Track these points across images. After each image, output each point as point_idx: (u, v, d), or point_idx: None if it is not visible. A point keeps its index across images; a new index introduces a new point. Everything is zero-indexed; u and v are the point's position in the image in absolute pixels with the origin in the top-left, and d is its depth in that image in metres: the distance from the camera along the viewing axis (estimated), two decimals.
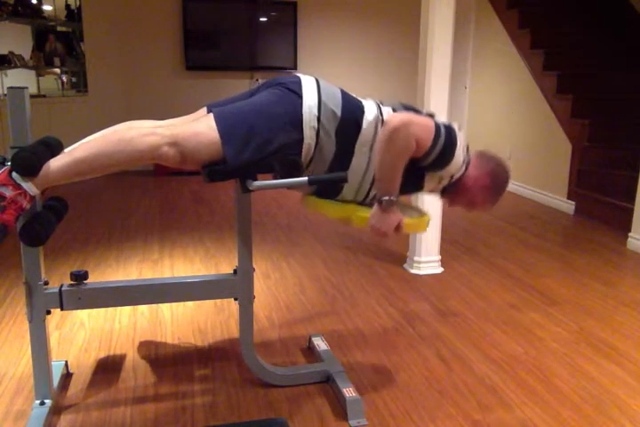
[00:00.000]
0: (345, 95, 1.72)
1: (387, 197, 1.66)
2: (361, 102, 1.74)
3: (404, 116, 1.60)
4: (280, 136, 1.62)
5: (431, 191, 1.88)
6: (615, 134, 4.60)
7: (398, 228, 1.72)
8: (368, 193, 1.78)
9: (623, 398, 1.99)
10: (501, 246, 3.68)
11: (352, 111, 1.70)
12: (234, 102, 1.72)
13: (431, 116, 1.75)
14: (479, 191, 1.82)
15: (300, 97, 1.65)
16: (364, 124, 1.70)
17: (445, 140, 1.66)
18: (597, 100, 4.77)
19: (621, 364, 2.22)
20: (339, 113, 1.67)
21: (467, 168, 1.79)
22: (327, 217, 1.80)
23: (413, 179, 1.75)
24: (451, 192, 1.86)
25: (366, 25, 6.53)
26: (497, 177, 1.82)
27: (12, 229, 1.51)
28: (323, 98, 1.67)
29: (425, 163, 1.70)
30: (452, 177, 1.78)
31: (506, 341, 2.40)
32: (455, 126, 1.75)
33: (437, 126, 1.66)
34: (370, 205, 1.78)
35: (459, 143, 1.70)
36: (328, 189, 1.77)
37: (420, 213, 1.90)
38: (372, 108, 1.74)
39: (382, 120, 1.72)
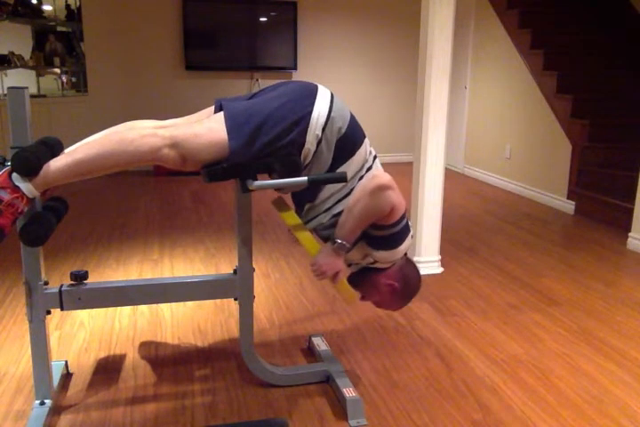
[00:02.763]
0: (353, 118, 1.75)
1: (340, 241, 1.71)
2: (364, 134, 1.78)
3: (392, 180, 1.66)
4: (286, 138, 1.63)
5: (348, 264, 1.89)
6: (615, 134, 4.60)
7: (336, 276, 1.77)
8: (317, 215, 1.79)
9: (623, 398, 1.99)
10: (501, 246, 3.68)
11: (355, 134, 1.72)
12: (245, 100, 1.73)
13: None
14: (384, 292, 1.86)
15: (312, 104, 1.66)
16: (357, 154, 1.73)
17: (403, 228, 1.74)
18: (597, 100, 4.77)
19: (621, 364, 2.22)
20: (343, 129, 1.69)
21: (390, 268, 1.84)
22: (287, 225, 1.82)
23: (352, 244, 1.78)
24: (363, 283, 1.88)
25: (366, 25, 6.53)
26: (409, 285, 1.87)
27: (9, 232, 1.51)
28: (333, 112, 1.68)
29: (375, 233, 1.73)
30: (374, 262, 1.81)
31: (506, 341, 2.40)
32: (411, 232, 1.82)
33: (405, 213, 1.73)
34: (311, 230, 1.82)
35: (406, 242, 1.77)
36: (306, 195, 1.78)
37: (354, 292, 1.91)
38: (369, 146, 1.78)
39: (370, 166, 1.76)
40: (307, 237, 1.79)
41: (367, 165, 1.76)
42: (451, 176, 6.02)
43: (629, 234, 3.71)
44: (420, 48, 2.99)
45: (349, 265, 1.91)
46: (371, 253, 1.78)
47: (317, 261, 1.75)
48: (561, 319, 2.62)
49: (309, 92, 1.68)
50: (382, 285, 1.85)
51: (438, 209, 3.14)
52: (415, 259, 3.17)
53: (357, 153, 1.73)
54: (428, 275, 3.15)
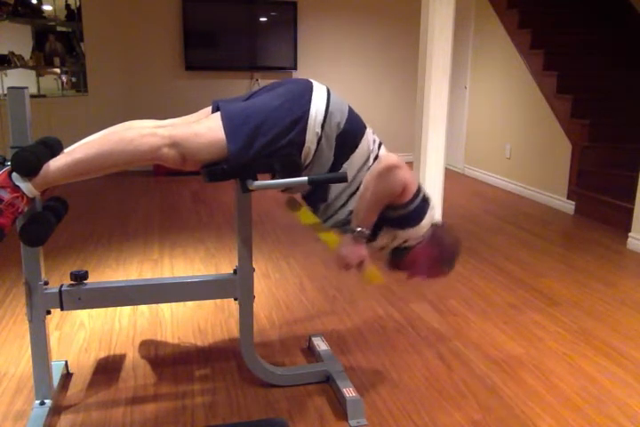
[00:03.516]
0: (352, 112, 1.74)
1: (360, 229, 1.71)
2: (365, 125, 1.77)
3: (400, 160, 1.65)
4: (284, 138, 1.63)
5: (380, 248, 1.89)
6: (615, 134, 4.60)
7: (361, 264, 1.77)
8: (334, 213, 1.79)
9: (623, 398, 1.99)
10: (501, 246, 3.68)
11: (354, 128, 1.72)
12: (241, 101, 1.73)
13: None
14: (426, 265, 1.86)
15: (309, 102, 1.66)
16: (360, 146, 1.72)
17: (421, 203, 1.73)
18: (597, 100, 4.77)
19: (621, 364, 2.22)
20: (342, 125, 1.68)
21: (422, 241, 1.82)
22: (303, 224, 1.83)
23: (373, 227, 1.77)
24: (397, 259, 1.88)
25: (366, 25, 6.53)
26: (447, 250, 1.86)
27: (9, 231, 1.51)
28: (331, 107, 1.67)
29: (394, 214, 1.73)
30: (405, 241, 1.80)
31: (506, 341, 2.40)
32: (431, 202, 1.80)
33: (420, 188, 1.72)
34: (332, 227, 1.82)
35: (428, 214, 1.75)
36: (317, 195, 1.78)
37: (380, 275, 1.92)
38: (372, 135, 1.77)
39: (377, 154, 1.75)
40: (325, 233, 1.79)
41: (373, 156, 1.75)
42: (451, 176, 6.02)
43: (629, 234, 3.71)
44: (420, 48, 2.99)
45: (382, 249, 1.89)
46: (397, 234, 1.77)
47: (340, 253, 1.74)
48: (561, 319, 2.62)
49: (305, 91, 1.68)
50: (422, 259, 1.83)
51: (438, 209, 3.14)
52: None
53: (360, 146, 1.72)
54: None
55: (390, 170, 1.63)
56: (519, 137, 5.31)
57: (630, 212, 3.76)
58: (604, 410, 1.92)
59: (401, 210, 1.71)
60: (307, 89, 1.69)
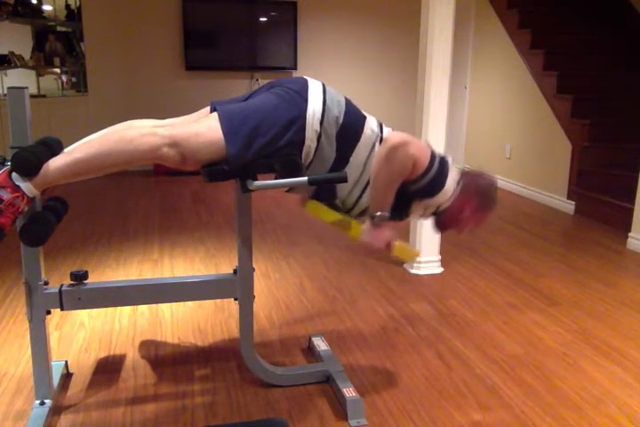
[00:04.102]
0: (349, 104, 1.73)
1: (379, 213, 1.70)
2: (364, 114, 1.76)
3: (404, 135, 1.63)
4: (283, 137, 1.63)
5: (420, 216, 1.88)
6: (615, 134, 4.60)
7: (388, 245, 1.76)
8: (354, 206, 1.80)
9: (623, 398, 1.99)
10: (501, 246, 3.68)
11: (354, 120, 1.71)
12: (238, 102, 1.72)
13: (427, 144, 1.78)
14: (468, 216, 1.83)
15: (306, 100, 1.65)
16: (363, 137, 1.72)
17: (438, 168, 1.69)
18: (597, 100, 4.77)
19: (621, 364, 2.22)
20: (341, 119, 1.68)
21: (454, 199, 1.79)
22: (324, 221, 1.82)
23: (401, 205, 1.77)
24: (440, 220, 1.87)
25: (366, 25, 6.53)
26: (482, 195, 1.83)
27: (9, 231, 1.51)
28: (327, 103, 1.67)
29: (415, 188, 1.71)
30: (438, 207, 1.79)
31: (506, 341, 2.40)
32: (449, 159, 1.77)
33: (433, 154, 1.70)
34: (355, 217, 1.81)
35: (450, 175, 1.73)
36: (324, 193, 1.78)
37: (413, 249, 1.91)
38: (373, 122, 1.76)
39: (381, 138, 1.74)
40: (345, 225, 1.79)
41: (377, 140, 1.74)
42: None
43: (629, 234, 3.71)
44: (420, 48, 2.99)
45: (421, 217, 1.88)
46: (428, 203, 1.76)
47: (365, 241, 1.73)
48: (561, 319, 2.62)
49: (302, 89, 1.67)
50: (463, 212, 1.81)
51: None
52: (415, 259, 3.17)
53: (362, 137, 1.71)
54: (428, 275, 3.15)
55: (396, 149, 1.61)
56: (519, 137, 5.31)
57: (630, 212, 3.76)
58: (604, 410, 1.92)
59: (420, 182, 1.68)
60: (303, 87, 1.68)
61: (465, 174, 1.84)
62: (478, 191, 1.82)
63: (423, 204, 1.78)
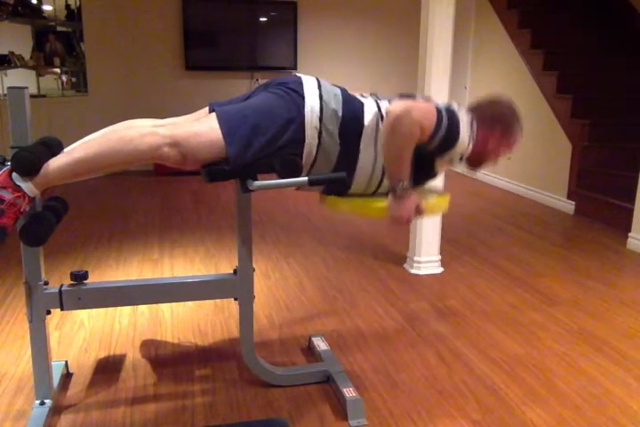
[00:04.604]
0: (345, 94, 1.73)
1: (400, 185, 1.66)
2: (361, 101, 1.75)
3: (403, 104, 1.60)
4: (282, 137, 1.62)
5: (451, 166, 1.87)
6: (615, 134, 4.60)
7: (418, 210, 1.71)
8: (379, 185, 1.79)
9: (623, 398, 1.99)
10: (501, 246, 3.68)
11: (353, 110, 1.70)
12: (236, 102, 1.72)
13: (428, 99, 1.75)
14: (496, 147, 1.80)
15: (303, 98, 1.65)
16: (366, 122, 1.71)
17: (448, 122, 1.66)
18: (597, 100, 4.77)
19: (621, 364, 2.22)
20: (340, 112, 1.68)
21: (475, 140, 1.75)
22: (345, 213, 1.82)
23: (425, 168, 1.75)
24: (470, 162, 1.85)
25: (366, 25, 6.53)
26: (501, 122, 1.79)
27: (11, 231, 1.51)
28: (324, 98, 1.67)
29: (431, 147, 1.69)
30: (461, 156, 1.76)
31: (506, 341, 2.40)
32: (455, 106, 1.74)
33: (438, 110, 1.66)
34: (382, 195, 1.78)
35: (461, 122, 1.69)
36: (336, 186, 1.77)
37: (439, 193, 1.89)
38: (371, 105, 1.74)
39: (382, 116, 1.72)
40: (367, 209, 1.79)
41: (381, 120, 1.72)
42: (451, 176, 6.02)
43: (629, 234, 3.71)
44: (420, 48, 2.99)
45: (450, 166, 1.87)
46: (450, 156, 1.74)
47: (393, 215, 1.71)
48: (561, 319, 2.62)
49: (297, 87, 1.67)
50: (488, 147, 1.79)
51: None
52: (415, 259, 3.17)
53: (365, 124, 1.70)
54: (428, 275, 3.15)
55: (399, 119, 1.58)
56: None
57: (630, 212, 3.76)
58: (604, 410, 1.92)
59: (434, 141, 1.66)
60: (298, 84, 1.68)
61: (474, 110, 1.81)
62: (494, 120, 1.79)
63: (446, 158, 1.75)
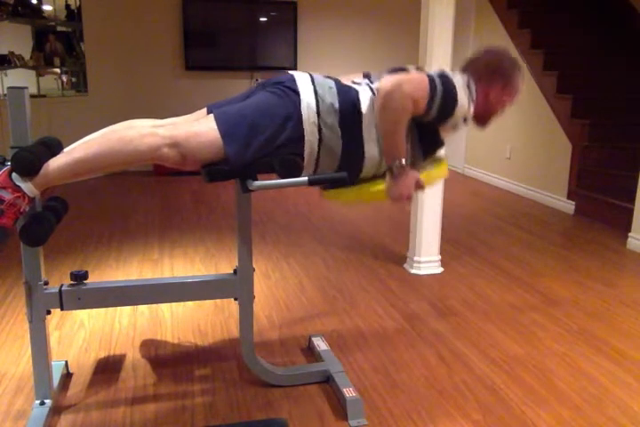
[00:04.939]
0: (339, 86, 1.72)
1: (396, 163, 1.65)
2: (355, 90, 1.73)
3: (392, 79, 1.59)
4: (281, 135, 1.62)
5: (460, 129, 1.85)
6: (615, 134, 4.60)
7: (418, 185, 1.70)
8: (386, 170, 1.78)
9: (623, 398, 1.99)
10: (501, 246, 3.68)
11: (349, 101, 1.69)
12: (234, 103, 1.72)
13: (420, 69, 1.74)
14: (497, 99, 1.79)
15: (298, 94, 1.65)
16: (364, 110, 1.70)
17: (443, 88, 1.64)
18: (597, 100, 4.77)
19: (621, 364, 2.22)
20: (337, 105, 1.67)
21: (475, 99, 1.73)
22: (347, 203, 1.82)
23: (430, 138, 1.73)
24: (476, 121, 1.84)
25: (366, 25, 6.53)
26: (497, 73, 1.77)
27: (11, 231, 1.51)
28: (319, 93, 1.67)
29: (430, 117, 1.68)
30: (465, 119, 1.74)
31: (506, 341, 2.40)
32: (447, 72, 1.71)
33: (431, 78, 1.64)
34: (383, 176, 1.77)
35: (457, 87, 1.67)
36: (348, 172, 1.75)
37: (436, 161, 1.88)
38: (365, 91, 1.73)
39: (374, 93, 1.71)
40: (367, 195, 1.78)
41: (375, 100, 1.70)
42: (451, 176, 6.02)
43: (629, 234, 3.71)
44: (420, 48, 2.99)
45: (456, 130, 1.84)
46: (453, 122, 1.72)
47: (393, 195, 1.69)
48: (561, 319, 2.62)
49: (291, 84, 1.67)
50: (489, 102, 1.78)
51: (438, 209, 3.14)
52: (415, 259, 3.17)
53: (363, 112, 1.69)
54: (428, 275, 3.15)
55: (389, 95, 1.57)
56: (519, 137, 5.31)
57: (630, 212, 3.76)
58: (604, 410, 1.92)
59: (431, 111, 1.65)
60: (292, 83, 1.68)
61: (469, 66, 1.79)
62: (491, 72, 1.77)
63: (449, 125, 1.73)
